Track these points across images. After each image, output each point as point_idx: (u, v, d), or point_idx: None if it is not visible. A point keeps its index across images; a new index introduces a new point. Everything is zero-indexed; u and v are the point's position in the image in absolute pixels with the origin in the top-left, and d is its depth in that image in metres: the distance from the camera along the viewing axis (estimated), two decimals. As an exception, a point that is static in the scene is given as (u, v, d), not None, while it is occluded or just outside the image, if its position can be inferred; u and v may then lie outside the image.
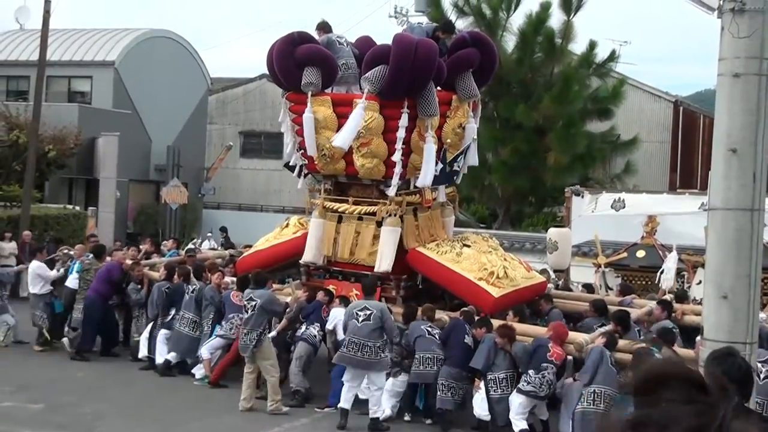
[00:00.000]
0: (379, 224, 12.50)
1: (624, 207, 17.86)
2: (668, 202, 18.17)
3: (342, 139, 12.01)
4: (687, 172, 32.88)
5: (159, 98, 33.99)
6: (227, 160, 36.87)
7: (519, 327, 11.30)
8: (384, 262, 12.27)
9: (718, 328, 7.36)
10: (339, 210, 12.90)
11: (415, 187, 12.70)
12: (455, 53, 12.53)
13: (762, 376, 9.65)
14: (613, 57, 26.23)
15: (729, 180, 7.33)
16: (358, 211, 12.75)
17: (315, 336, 12.39)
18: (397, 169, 12.22)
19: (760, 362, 9.63)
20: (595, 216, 17.87)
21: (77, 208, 27.92)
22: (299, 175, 13.42)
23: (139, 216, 32.07)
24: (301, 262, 13.11)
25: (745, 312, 7.31)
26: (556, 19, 25.20)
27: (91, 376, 13.60)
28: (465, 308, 12.07)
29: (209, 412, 11.85)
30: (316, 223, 12.93)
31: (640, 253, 16.76)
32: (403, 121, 12.00)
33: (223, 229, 27.12)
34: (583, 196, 18.75)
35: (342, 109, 12.48)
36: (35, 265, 15.27)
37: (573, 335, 11.12)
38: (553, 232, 16.35)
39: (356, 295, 12.45)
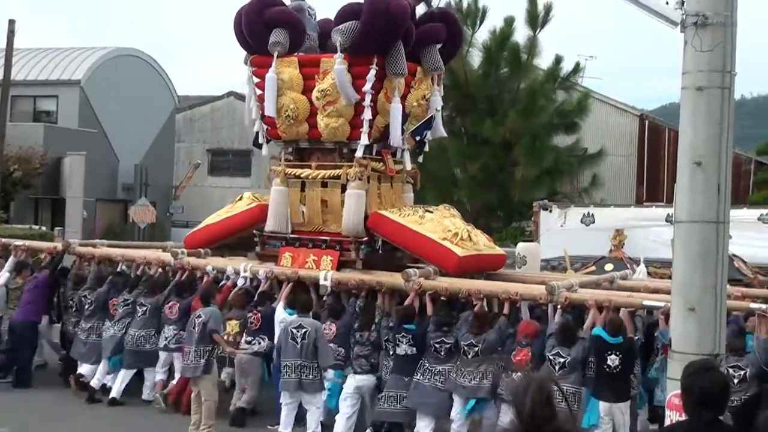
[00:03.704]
0: (344, 189, 12.31)
1: (594, 222, 17.96)
2: (637, 215, 18.30)
3: (347, 95, 11.89)
4: (653, 185, 33.15)
5: (126, 117, 33.83)
6: (195, 179, 36.78)
7: None
8: (351, 226, 12.11)
9: (686, 340, 7.40)
10: (302, 176, 12.65)
11: (378, 153, 12.62)
12: (422, 26, 12.60)
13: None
14: (577, 69, 26.40)
15: (694, 192, 7.38)
16: (322, 176, 12.49)
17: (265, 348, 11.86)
18: (365, 128, 12.12)
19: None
20: (564, 230, 17.96)
21: (43, 228, 27.66)
22: (260, 146, 13.17)
23: (106, 235, 31.79)
24: (265, 230, 12.84)
25: (712, 324, 7.36)
26: (521, 34, 25.37)
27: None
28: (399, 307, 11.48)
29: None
30: (279, 191, 12.68)
31: (608, 267, 16.84)
32: (371, 75, 11.94)
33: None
34: (551, 211, 18.84)
35: (308, 69, 12.40)
36: None
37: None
38: (521, 247, 16.41)
39: (314, 261, 12.33)
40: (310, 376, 10.87)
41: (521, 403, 2.76)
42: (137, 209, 30.56)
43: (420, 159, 13.67)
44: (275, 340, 11.46)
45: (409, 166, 13.15)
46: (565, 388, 9.52)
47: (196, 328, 11.28)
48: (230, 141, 38.19)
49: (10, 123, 25.79)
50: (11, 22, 23.42)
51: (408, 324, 10.90)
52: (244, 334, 11.85)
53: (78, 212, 26.52)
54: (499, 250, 13.42)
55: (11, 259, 14.63)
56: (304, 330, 10.84)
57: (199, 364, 11.20)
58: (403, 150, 12.95)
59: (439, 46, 12.91)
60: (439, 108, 13.47)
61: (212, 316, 11.40)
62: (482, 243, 12.62)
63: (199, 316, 11.38)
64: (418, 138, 12.85)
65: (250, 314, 11.94)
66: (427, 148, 13.47)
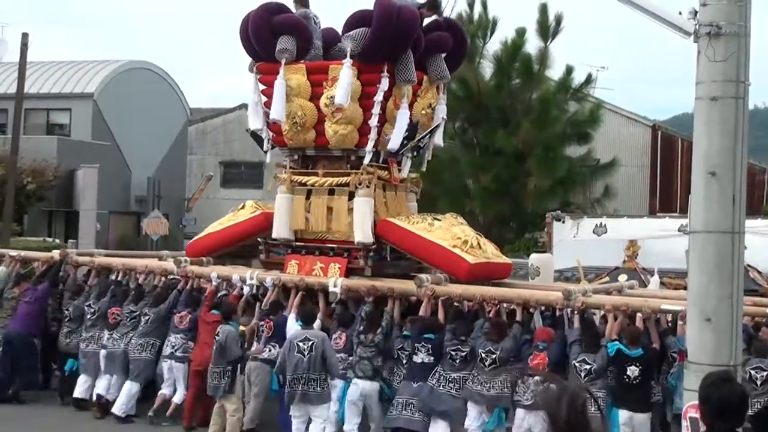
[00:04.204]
0: (352, 196, 12.28)
1: (606, 232, 17.91)
2: (651, 225, 18.24)
3: (340, 96, 11.83)
4: (666, 195, 33.06)
5: (138, 129, 33.97)
6: (208, 191, 36.86)
7: None
8: (361, 233, 12.07)
9: (702, 351, 7.37)
10: (308, 183, 12.60)
11: (385, 161, 12.61)
12: (429, 35, 12.61)
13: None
14: (589, 80, 26.37)
15: (709, 203, 7.37)
16: (329, 183, 12.45)
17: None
18: (372, 135, 12.12)
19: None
20: (577, 241, 17.91)
21: (57, 240, 27.72)
22: (264, 149, 13.11)
23: (119, 248, 31.90)
24: (271, 237, 12.78)
25: (729, 334, 7.33)
26: (532, 45, 25.36)
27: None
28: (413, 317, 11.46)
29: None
30: (284, 198, 12.62)
31: (622, 278, 16.77)
32: (383, 84, 11.95)
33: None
34: (564, 221, 18.80)
35: (316, 76, 12.38)
36: None
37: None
38: (535, 258, 16.35)
39: (321, 268, 12.30)
40: (318, 388, 10.85)
41: (556, 412, 2.78)
42: (150, 221, 30.64)
43: (423, 167, 13.67)
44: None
45: (405, 173, 13.09)
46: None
47: (215, 347, 11.37)
48: (242, 153, 38.25)
49: (24, 136, 25.91)
50: (24, 36, 23.53)
51: (428, 334, 10.90)
52: (256, 342, 11.80)
53: (91, 225, 26.54)
54: (506, 259, 13.42)
55: (2, 269, 14.33)
56: (310, 342, 10.81)
57: (220, 384, 11.38)
58: (405, 158, 12.92)
59: (444, 55, 12.91)
60: (445, 117, 13.48)
61: (228, 335, 11.42)
62: (490, 251, 12.62)
63: (217, 335, 11.44)
64: (421, 146, 12.88)
65: (262, 322, 11.90)
66: (429, 157, 13.48)
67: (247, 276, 12.53)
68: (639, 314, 10.54)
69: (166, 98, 36.64)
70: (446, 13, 13.33)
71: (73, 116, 33.57)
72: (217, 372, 11.41)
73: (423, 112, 12.84)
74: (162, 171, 35.32)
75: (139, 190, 34.35)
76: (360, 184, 12.19)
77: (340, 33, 12.90)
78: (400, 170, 12.91)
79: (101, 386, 12.73)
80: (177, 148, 37.57)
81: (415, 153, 13.02)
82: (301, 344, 10.83)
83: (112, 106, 33.60)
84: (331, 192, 12.47)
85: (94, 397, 12.77)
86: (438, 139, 13.45)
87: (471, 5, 25.54)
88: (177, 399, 12.26)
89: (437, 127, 13.16)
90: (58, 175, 29.57)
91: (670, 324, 10.93)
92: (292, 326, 11.59)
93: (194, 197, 36.51)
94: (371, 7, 12.09)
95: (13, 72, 27.66)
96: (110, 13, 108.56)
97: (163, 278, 13.33)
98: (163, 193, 34.00)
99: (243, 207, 13.95)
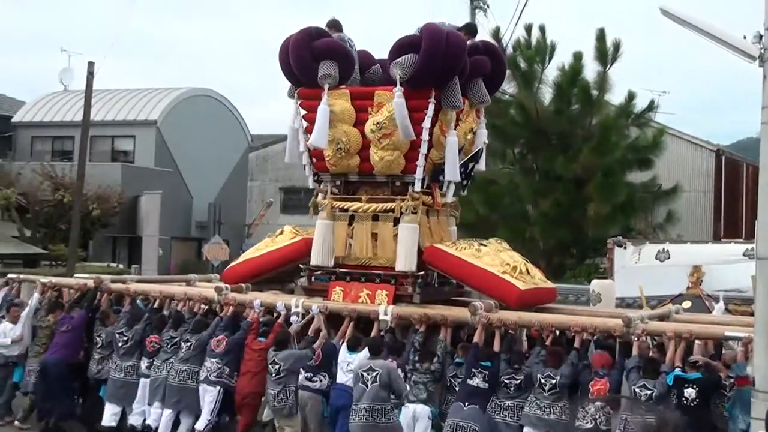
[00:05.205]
0: (396, 222, 12.17)
1: (669, 258, 17.63)
2: (714, 251, 17.93)
3: (405, 133, 11.74)
4: (731, 221, 32.53)
5: (200, 156, 34.46)
6: (268, 216, 37.15)
7: None
8: (405, 261, 11.96)
9: (771, 380, 7.22)
10: (351, 209, 12.47)
11: (429, 187, 12.44)
12: (469, 59, 12.51)
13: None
14: (651, 107, 26.12)
15: (777, 228, 7.23)
16: (373, 209, 12.32)
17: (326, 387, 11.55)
18: (420, 162, 11.99)
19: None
20: (639, 267, 17.67)
21: (121, 266, 28.20)
22: (307, 174, 13.05)
23: (181, 273, 32.34)
24: (311, 264, 12.61)
25: (798, 363, 7.16)
26: (591, 69, 25.21)
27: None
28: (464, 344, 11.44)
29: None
30: (325, 224, 12.49)
31: (686, 304, 16.51)
32: (430, 110, 11.85)
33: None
34: (625, 247, 18.56)
35: (361, 102, 12.26)
36: None
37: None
38: (596, 284, 16.15)
39: (368, 295, 12.18)
40: (383, 418, 10.75)
41: None
42: (211, 247, 30.96)
43: (465, 192, 13.58)
44: (336, 378, 11.35)
45: (450, 198, 12.94)
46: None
47: (273, 373, 11.40)
48: (302, 179, 38.16)
49: (90, 162, 26.42)
50: (90, 64, 24.03)
51: (485, 362, 10.86)
52: (303, 371, 11.54)
53: (154, 250, 26.98)
54: (551, 284, 13.24)
55: (36, 296, 14.18)
56: (375, 373, 10.74)
57: (286, 404, 11.41)
58: (449, 183, 12.78)
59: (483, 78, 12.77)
60: (486, 141, 13.39)
61: (295, 360, 11.45)
62: (538, 277, 12.50)
63: (275, 363, 11.46)
64: (464, 171, 12.76)
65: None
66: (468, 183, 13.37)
67: (292, 303, 12.31)
68: (697, 341, 10.40)
69: (227, 125, 37.13)
70: (505, 39, 13.31)
71: (137, 143, 34.19)
72: (284, 393, 11.40)
73: (465, 136, 12.75)
74: (223, 197, 35.73)
75: (200, 216, 34.77)
76: (407, 210, 12.12)
77: (373, 55, 12.91)
78: (442, 195, 12.79)
79: (152, 416, 12.43)
80: (238, 175, 38.00)
81: (464, 180, 12.94)
82: (365, 374, 10.77)
83: (175, 133, 34.14)
84: (375, 218, 12.37)
85: (136, 426, 12.51)
86: (481, 164, 13.36)
87: (528, 30, 25.53)
88: (199, 426, 11.97)
89: (479, 151, 13.09)
90: (122, 201, 30.08)
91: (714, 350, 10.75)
92: (343, 354, 11.44)
93: (255, 223, 36.82)
94: (416, 32, 12.04)
95: (80, 100, 28.29)
96: (172, 40, 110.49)
97: (204, 306, 13.14)
98: (223, 219, 34.38)
99: (282, 232, 13.74)
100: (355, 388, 10.84)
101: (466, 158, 12.75)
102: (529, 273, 12.14)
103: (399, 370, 11.10)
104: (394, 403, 10.87)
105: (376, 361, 10.96)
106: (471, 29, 13.12)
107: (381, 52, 12.84)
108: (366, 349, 11.26)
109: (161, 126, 33.89)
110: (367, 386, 10.71)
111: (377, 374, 10.73)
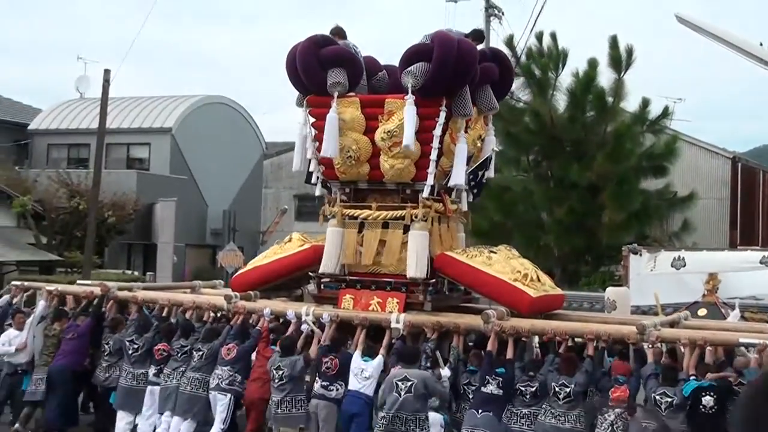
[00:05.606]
0: (406, 229, 12.12)
1: (685, 265, 17.56)
2: (730, 258, 17.85)
3: (408, 138, 11.66)
4: (748, 228, 32.37)
5: (215, 163, 34.56)
6: (282, 224, 37.20)
7: None
8: (416, 268, 11.87)
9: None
10: (361, 217, 12.41)
11: (439, 194, 12.41)
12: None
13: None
14: (666, 113, 26.02)
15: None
16: (383, 217, 12.26)
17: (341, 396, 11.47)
18: (431, 169, 11.92)
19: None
20: (655, 274, 17.60)
21: (136, 273, 28.28)
22: (315, 184, 12.97)
23: (195, 280, 32.38)
24: (319, 272, 12.56)
25: (815, 372, 7.11)
26: (605, 77, 25.15)
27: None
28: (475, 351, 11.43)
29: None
30: (335, 231, 12.42)
31: (702, 312, 16.44)
32: (441, 118, 11.79)
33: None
34: (641, 255, 18.49)
35: (371, 110, 12.21)
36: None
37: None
38: (611, 291, 16.11)
39: (378, 303, 12.13)
40: (417, 428, 10.71)
41: None
42: (225, 254, 31.00)
43: (477, 199, 13.53)
44: (348, 385, 11.33)
45: (465, 207, 12.97)
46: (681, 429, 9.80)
47: (276, 379, 11.38)
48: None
49: (105, 170, 26.53)
50: (106, 72, 24.14)
51: (500, 368, 10.85)
52: (319, 379, 11.55)
53: (168, 257, 27.03)
54: (560, 291, 13.20)
55: (42, 304, 14.14)
56: (409, 383, 10.70)
57: (290, 413, 11.38)
58: (461, 191, 12.79)
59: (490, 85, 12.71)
60: (496, 148, 13.33)
61: (298, 365, 11.47)
62: (548, 284, 12.49)
63: (279, 368, 11.44)
64: (474, 179, 12.75)
65: (327, 359, 11.58)
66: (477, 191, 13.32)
67: (302, 311, 12.23)
68: (708, 348, 10.37)
69: (241, 132, 37.23)
70: (520, 46, 13.30)
71: (152, 151, 34.31)
72: (289, 401, 11.38)
73: (474, 144, 12.70)
74: (237, 204, 35.81)
75: (214, 223, 34.85)
76: (418, 217, 12.06)
77: (378, 61, 12.90)
78: (453, 202, 12.77)
79: (163, 425, 12.40)
80: (252, 182, 38.08)
81: (474, 188, 12.90)
82: (400, 383, 10.74)
83: (190, 141, 34.26)
84: (385, 225, 12.31)
85: None
86: (490, 170, 13.28)
87: (540, 38, 25.50)
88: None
89: (489, 158, 13.05)
90: (137, 208, 30.18)
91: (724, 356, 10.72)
92: (357, 361, 11.41)
93: (269, 230, 36.89)
94: (426, 40, 12.01)
95: (95, 108, 28.41)
96: (187, 48, 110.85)
97: (212, 313, 13.13)
98: (238, 226, 34.43)
99: (290, 240, 13.68)
100: (388, 397, 10.77)
101: (474, 166, 12.70)
102: (539, 280, 12.12)
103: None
104: (426, 415, 10.77)
105: (412, 370, 10.89)
106: (478, 35, 13.07)
107: (392, 59, 12.85)
108: (380, 357, 11.29)
109: (176, 133, 34.00)
110: (400, 395, 10.68)
111: (412, 384, 10.70)
